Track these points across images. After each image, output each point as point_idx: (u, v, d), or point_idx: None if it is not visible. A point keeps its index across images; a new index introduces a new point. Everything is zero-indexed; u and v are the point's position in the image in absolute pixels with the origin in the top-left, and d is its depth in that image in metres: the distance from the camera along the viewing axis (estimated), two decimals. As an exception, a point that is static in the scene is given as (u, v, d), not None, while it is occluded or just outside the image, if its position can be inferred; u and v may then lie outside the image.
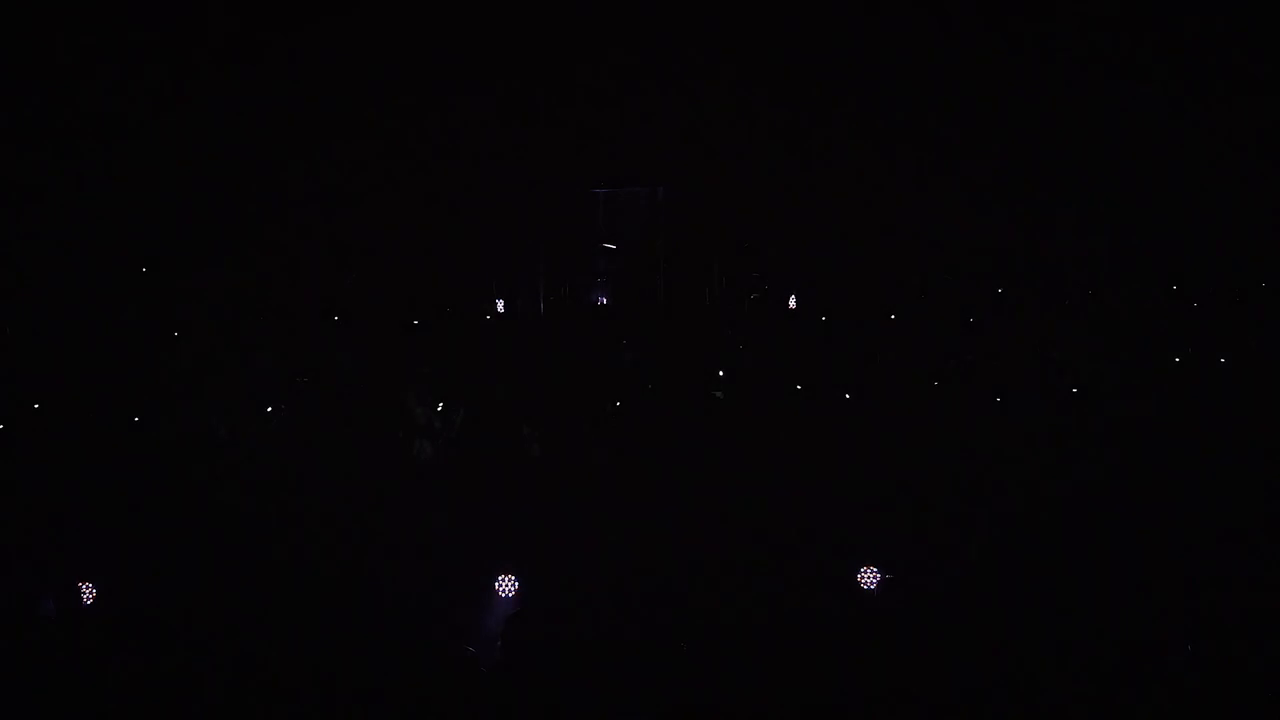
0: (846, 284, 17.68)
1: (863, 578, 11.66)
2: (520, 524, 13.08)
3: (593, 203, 19.14)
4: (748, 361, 16.68)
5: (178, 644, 7.56)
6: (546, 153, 17.89)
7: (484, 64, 17.61)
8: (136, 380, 15.34)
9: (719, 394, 15.67)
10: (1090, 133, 17.20)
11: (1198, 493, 12.51)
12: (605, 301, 18.56)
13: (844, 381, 15.44)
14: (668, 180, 18.94)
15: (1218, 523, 12.26)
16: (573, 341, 17.50)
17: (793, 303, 18.59)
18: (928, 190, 17.22)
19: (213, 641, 8.01)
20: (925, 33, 16.97)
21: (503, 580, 11.69)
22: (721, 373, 16.19)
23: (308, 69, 16.95)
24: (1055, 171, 17.25)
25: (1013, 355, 15.78)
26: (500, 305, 18.95)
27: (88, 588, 10.79)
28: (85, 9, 16.72)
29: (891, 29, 17.03)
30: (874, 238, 17.60)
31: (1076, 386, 15.12)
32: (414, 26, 17.43)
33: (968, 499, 13.06)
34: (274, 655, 7.49)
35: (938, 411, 14.91)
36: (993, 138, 17.14)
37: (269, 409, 15.25)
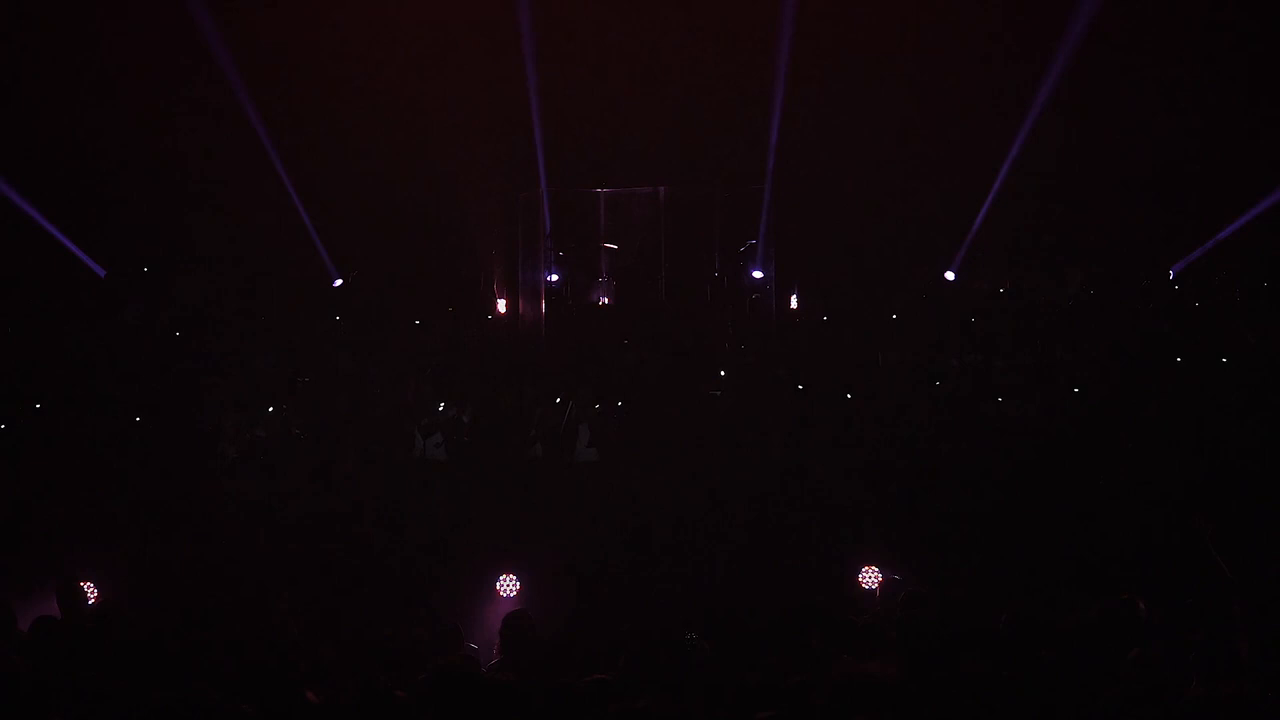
0: (846, 284, 17.69)
1: (863, 578, 11.63)
2: (521, 523, 13.07)
3: (593, 203, 19.17)
4: (747, 361, 16.69)
5: (178, 644, 7.56)
6: (546, 153, 17.91)
7: (484, 64, 17.63)
8: (137, 381, 15.34)
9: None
10: (1090, 133, 17.23)
11: (1198, 492, 12.50)
12: (605, 301, 18.55)
13: (844, 381, 15.42)
14: (668, 180, 18.96)
15: (1218, 522, 12.25)
16: (573, 341, 17.51)
17: (793, 303, 18.60)
18: (929, 190, 17.24)
19: (213, 641, 8.01)
20: (925, 32, 16.99)
21: (504, 580, 11.67)
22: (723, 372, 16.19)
23: (308, 67, 16.97)
24: (1055, 171, 17.27)
25: (1013, 358, 15.78)
26: (501, 305, 18.96)
27: (88, 588, 10.78)
28: (86, 8, 16.77)
29: (892, 28, 17.06)
30: (873, 237, 17.62)
31: (1077, 386, 15.12)
32: (414, 25, 17.47)
33: (968, 499, 13.07)
34: (274, 655, 7.49)
35: (937, 411, 14.90)
36: (993, 137, 17.17)
37: (269, 409, 15.25)
